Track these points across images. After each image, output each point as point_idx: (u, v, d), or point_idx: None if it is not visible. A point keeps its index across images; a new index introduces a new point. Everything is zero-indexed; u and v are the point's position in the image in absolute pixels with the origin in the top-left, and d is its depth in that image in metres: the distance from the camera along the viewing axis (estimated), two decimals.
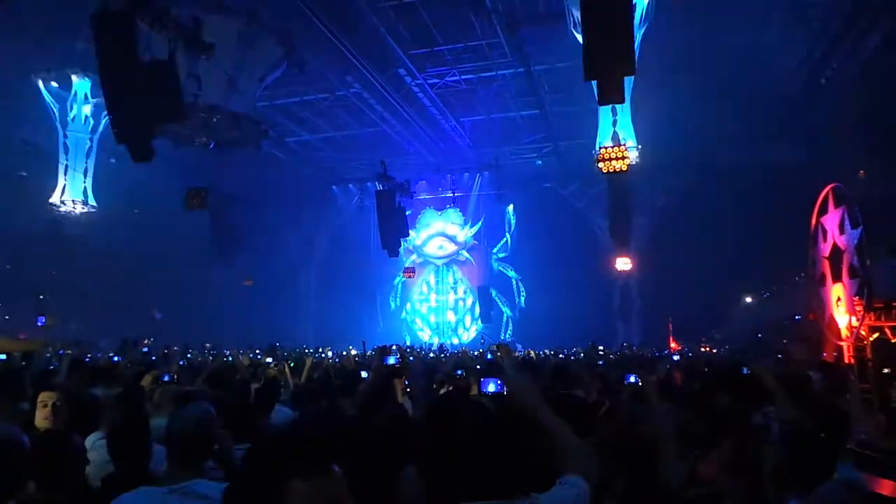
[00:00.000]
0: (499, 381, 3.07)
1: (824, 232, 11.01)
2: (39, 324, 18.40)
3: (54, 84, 18.14)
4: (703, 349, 19.04)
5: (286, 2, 13.91)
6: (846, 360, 9.92)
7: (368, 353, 13.89)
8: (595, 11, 7.90)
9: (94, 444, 3.37)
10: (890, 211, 12.12)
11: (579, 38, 11.88)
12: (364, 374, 6.56)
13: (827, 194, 10.94)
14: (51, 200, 18.65)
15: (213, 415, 2.63)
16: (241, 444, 3.46)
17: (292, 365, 8.61)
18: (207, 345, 19.30)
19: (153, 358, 11.86)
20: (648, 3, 14.34)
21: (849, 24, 14.65)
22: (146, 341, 18.52)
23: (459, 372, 7.36)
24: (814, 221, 11.34)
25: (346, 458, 2.72)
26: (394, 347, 9.55)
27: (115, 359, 9.43)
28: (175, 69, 10.11)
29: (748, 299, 21.61)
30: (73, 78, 18.04)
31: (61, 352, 14.25)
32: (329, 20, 14.58)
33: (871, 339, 9.31)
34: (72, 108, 18.55)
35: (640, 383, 4.12)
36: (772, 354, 11.39)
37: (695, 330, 21.16)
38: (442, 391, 6.16)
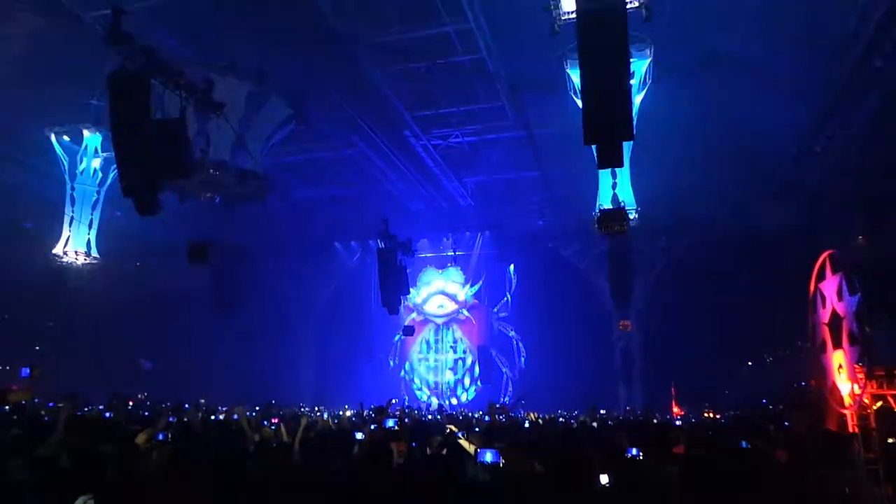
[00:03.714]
0: (496, 451, 3.06)
1: (823, 298, 11.02)
2: (23, 375, 18.22)
3: (66, 138, 18.55)
4: (706, 415, 18.73)
5: (296, 65, 14.38)
6: (850, 429, 9.77)
7: (365, 413, 13.68)
8: (594, 78, 8.18)
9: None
10: (889, 277, 12.16)
11: (579, 103, 12.23)
12: (359, 435, 6.48)
13: (824, 260, 11.00)
14: (53, 251, 18.78)
15: None
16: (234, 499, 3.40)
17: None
18: (202, 400, 19.05)
19: (146, 414, 11.69)
20: (646, 71, 14.81)
21: (841, 96, 15.07)
22: (139, 396, 18.28)
23: (460, 434, 7.27)
24: (812, 287, 11.37)
25: None
26: (394, 401, 9.45)
27: (107, 415, 9.28)
28: (185, 127, 10.39)
29: (750, 364, 21.42)
30: (85, 133, 18.45)
31: (51, 405, 14.04)
32: (337, 83, 15.05)
33: (874, 407, 9.20)
34: (81, 161, 18.87)
35: (641, 456, 4.07)
36: (776, 422, 11.21)
37: (698, 395, 20.87)
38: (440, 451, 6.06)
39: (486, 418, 14.23)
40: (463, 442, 5.19)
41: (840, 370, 10.42)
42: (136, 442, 4.63)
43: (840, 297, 10.35)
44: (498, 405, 19.69)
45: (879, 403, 9.20)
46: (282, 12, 12.53)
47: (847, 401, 10.14)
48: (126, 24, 9.40)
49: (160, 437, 4.85)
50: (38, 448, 3.41)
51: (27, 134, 18.03)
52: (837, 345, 10.50)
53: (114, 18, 9.24)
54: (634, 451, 4.34)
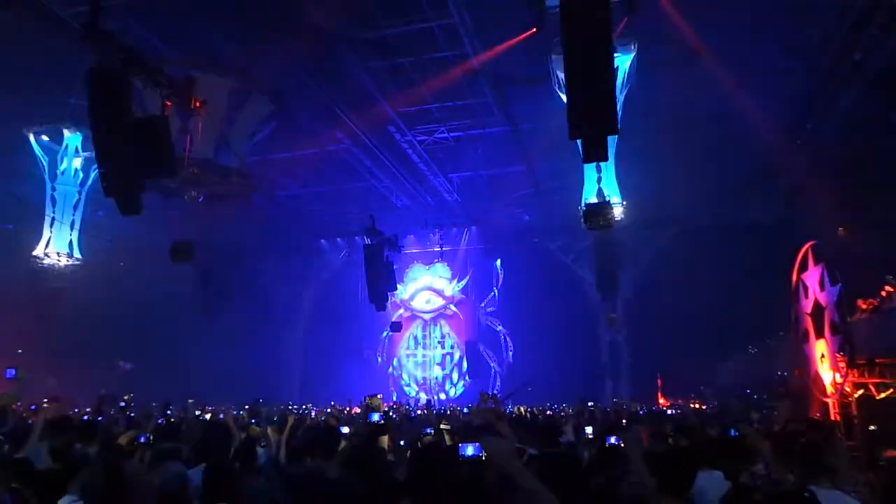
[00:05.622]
0: (477, 445, 3.05)
1: (805, 288, 11.14)
2: (8, 377, 17.99)
3: (45, 138, 18.24)
4: (692, 405, 18.89)
5: (279, 61, 14.27)
6: (832, 417, 9.89)
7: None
8: (579, 74, 8.17)
9: None
10: (869, 268, 12.33)
11: (564, 98, 12.24)
12: (345, 429, 6.47)
13: (806, 251, 11.12)
14: (34, 253, 18.52)
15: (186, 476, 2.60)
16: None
17: (275, 419, 8.45)
18: (190, 401, 18.91)
19: (131, 415, 11.59)
20: (630, 66, 14.87)
21: (822, 89, 15.23)
22: (125, 397, 18.12)
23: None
24: (794, 278, 11.49)
25: None
26: (379, 396, 9.42)
27: (85, 418, 9.18)
28: (167, 125, 10.25)
29: (735, 355, 21.60)
30: (66, 132, 18.17)
31: (33, 407, 13.86)
32: (321, 79, 14.97)
33: (855, 395, 9.33)
34: (62, 162, 18.61)
35: (622, 444, 4.10)
36: (759, 412, 11.34)
37: (684, 386, 21.05)
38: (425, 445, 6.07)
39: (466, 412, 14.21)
40: (447, 436, 5.19)
41: (822, 359, 10.54)
42: (119, 443, 4.58)
43: (822, 287, 10.48)
44: (490, 395, 19.68)
45: (861, 392, 9.33)
46: (264, 8, 12.44)
47: (829, 389, 10.27)
48: (104, 20, 9.27)
49: (142, 439, 4.78)
50: (18, 451, 3.37)
51: (4, 135, 17.72)
52: (820, 334, 10.63)
53: (91, 15, 9.11)
54: (613, 439, 4.38)
